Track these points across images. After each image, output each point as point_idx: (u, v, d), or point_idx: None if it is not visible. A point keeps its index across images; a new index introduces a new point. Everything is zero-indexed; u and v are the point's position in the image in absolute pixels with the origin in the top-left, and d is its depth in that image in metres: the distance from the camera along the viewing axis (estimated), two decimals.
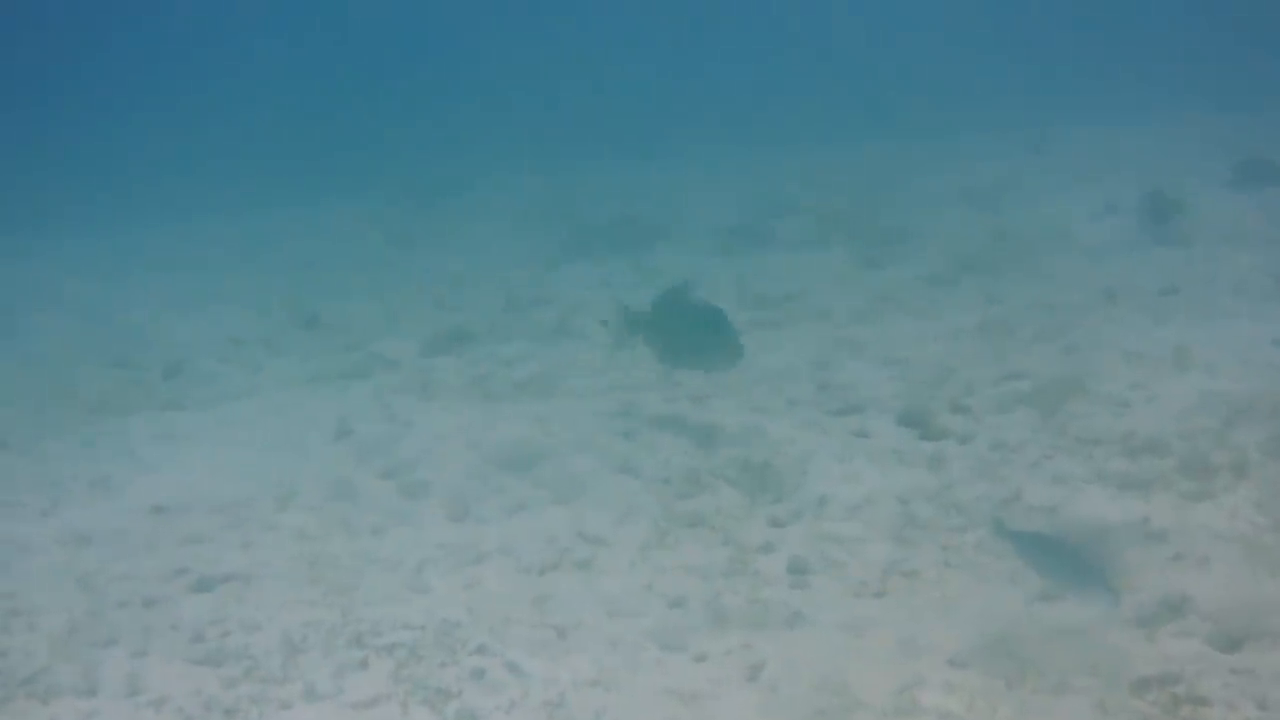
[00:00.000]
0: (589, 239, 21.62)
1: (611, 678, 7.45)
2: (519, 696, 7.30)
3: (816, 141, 32.35)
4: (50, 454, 12.30)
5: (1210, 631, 7.29)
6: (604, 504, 10.01)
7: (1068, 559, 7.80)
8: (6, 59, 47.67)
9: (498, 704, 7.23)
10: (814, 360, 13.31)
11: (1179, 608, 7.55)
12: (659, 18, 50.52)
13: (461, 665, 7.68)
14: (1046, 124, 29.39)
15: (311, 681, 7.59)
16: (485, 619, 8.29)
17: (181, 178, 32.90)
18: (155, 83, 47.25)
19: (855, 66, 42.05)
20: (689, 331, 10.74)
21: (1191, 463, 9.62)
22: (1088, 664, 7.05)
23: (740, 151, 32.08)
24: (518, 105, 41.49)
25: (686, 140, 34.04)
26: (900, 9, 49.53)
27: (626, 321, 11.43)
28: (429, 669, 7.66)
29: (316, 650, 7.97)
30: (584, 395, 12.86)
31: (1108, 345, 12.94)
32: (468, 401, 12.98)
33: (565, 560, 9.12)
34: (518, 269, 20.08)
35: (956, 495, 9.55)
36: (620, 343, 11.50)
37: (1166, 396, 11.18)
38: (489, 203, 27.10)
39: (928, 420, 10.98)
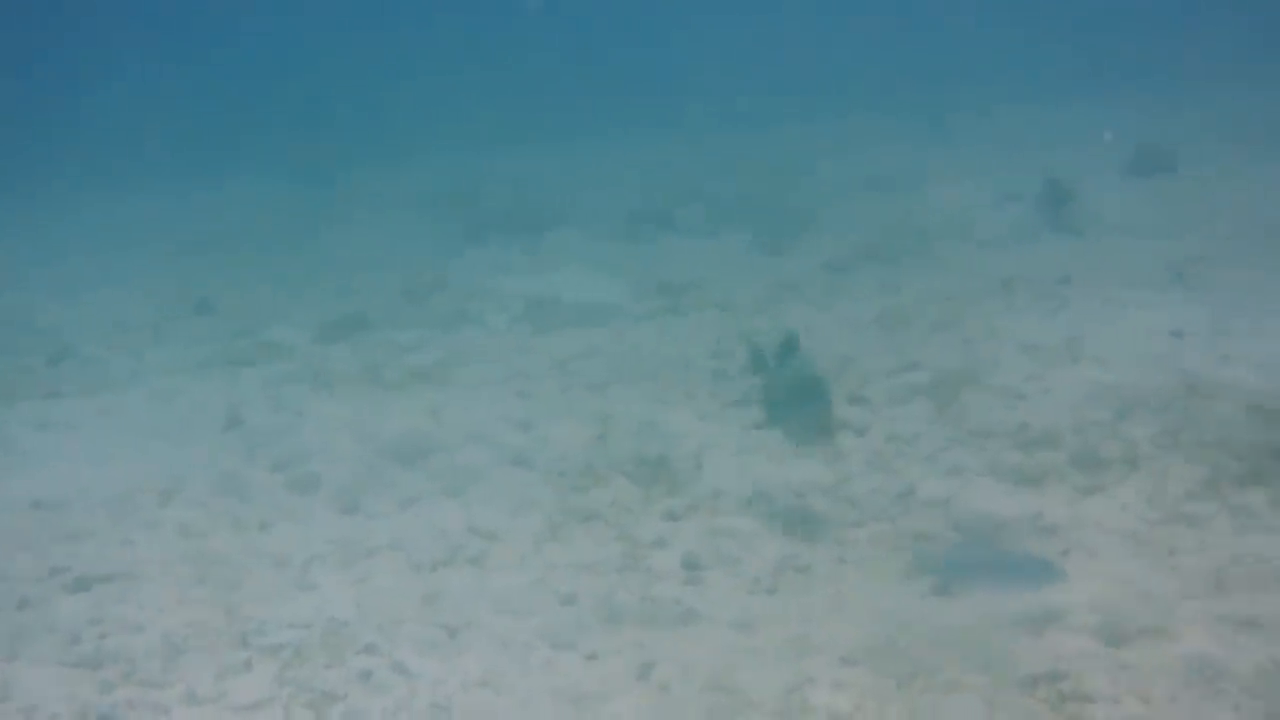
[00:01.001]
0: (490, 224, 21.46)
1: (500, 679, 7.33)
2: (405, 699, 7.17)
3: (721, 126, 32.37)
4: None
5: (1097, 626, 7.30)
6: (497, 497, 9.89)
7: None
8: None
9: (384, 707, 7.09)
10: (712, 350, 13.26)
11: (1068, 604, 7.56)
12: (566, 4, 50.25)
13: (348, 666, 7.54)
14: (950, 109, 29.62)
15: (192, 685, 7.40)
16: (374, 617, 8.14)
17: (71, 154, 32.21)
18: (42, 50, 46.16)
19: (759, 50, 42.15)
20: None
21: (1084, 456, 9.67)
22: (978, 661, 7.04)
23: (646, 135, 32.01)
24: (424, 89, 41.06)
25: (591, 125, 33.94)
26: None
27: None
28: (314, 670, 7.50)
29: (199, 652, 7.78)
30: (480, 384, 12.70)
31: (1004, 336, 13.01)
32: (361, 391, 12.78)
33: (457, 556, 8.99)
34: (417, 254, 19.88)
35: (852, 489, 9.53)
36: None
37: (1060, 388, 11.25)
38: (391, 187, 26.82)
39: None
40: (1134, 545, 8.24)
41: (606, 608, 8.05)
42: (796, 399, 10.60)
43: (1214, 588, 7.63)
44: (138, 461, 11.10)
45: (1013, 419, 10.55)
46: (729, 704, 6.87)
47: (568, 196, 23.45)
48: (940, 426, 10.56)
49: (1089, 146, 24.24)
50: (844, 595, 8.01)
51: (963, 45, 40.00)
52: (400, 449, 10.89)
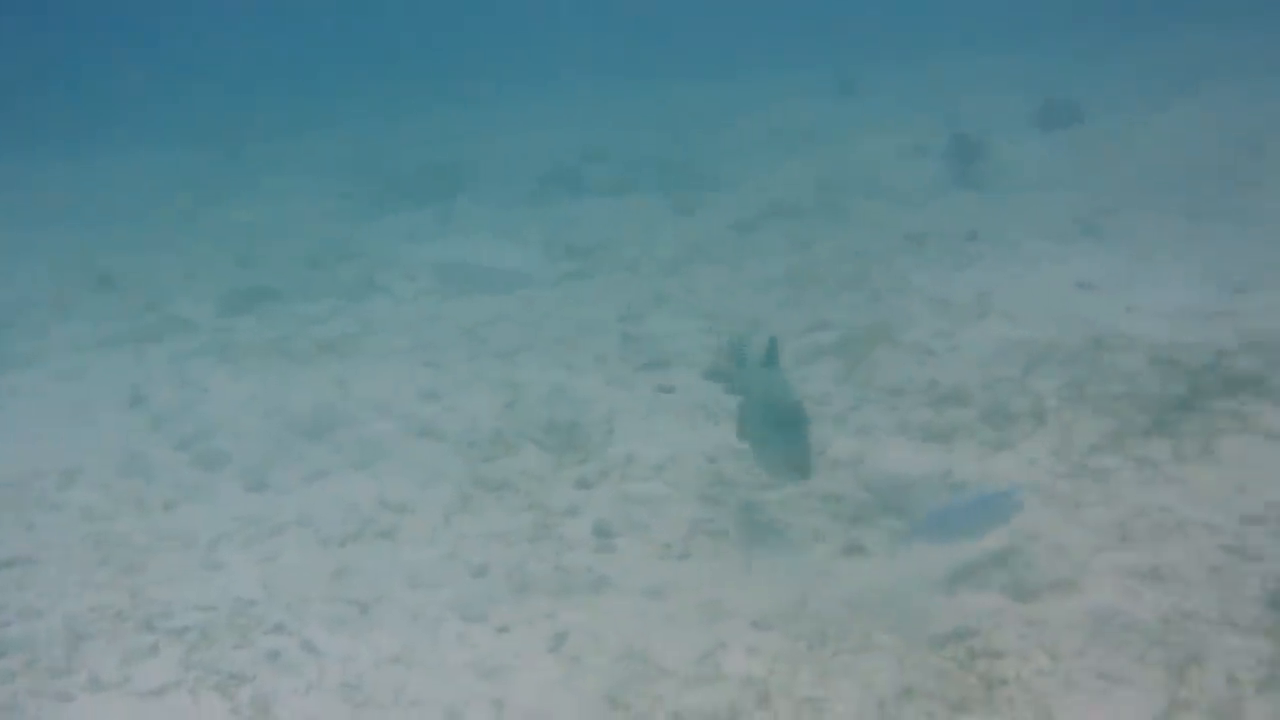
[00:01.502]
0: (399, 190, 21.26)
1: (412, 654, 7.25)
2: (316, 678, 7.07)
3: (634, 83, 32.24)
4: None
5: (1006, 582, 7.35)
6: (407, 469, 9.79)
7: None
8: None
9: (294, 687, 6.98)
10: (622, 313, 13.21)
11: (977, 560, 7.60)
12: None
13: (256, 647, 7.41)
14: (858, 64, 29.68)
15: (96, 671, 7.25)
16: (282, 596, 8.02)
17: None
18: None
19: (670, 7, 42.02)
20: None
21: (992, 411, 9.73)
22: (888, 621, 7.06)
23: (556, 95, 31.80)
24: (332, 54, 40.57)
25: (501, 85, 33.69)
26: None
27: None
28: (222, 652, 7.37)
29: (103, 637, 7.62)
30: (388, 355, 12.56)
31: (913, 292, 13.05)
32: (267, 364, 12.59)
33: (366, 530, 8.88)
34: (324, 222, 19.65)
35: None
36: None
37: (969, 344, 11.30)
38: (299, 154, 26.46)
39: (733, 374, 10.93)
40: (1041, 500, 8.29)
41: (518, 578, 7.99)
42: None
43: (1119, 540, 7.71)
44: (38, 442, 10.87)
45: (922, 376, 10.59)
46: (641, 673, 6.84)
47: (478, 160, 23.25)
48: (850, 386, 10.59)
49: (998, 99, 24.39)
50: (755, 558, 8.01)
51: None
52: (308, 423, 10.75)
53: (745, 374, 8.70)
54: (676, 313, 13.11)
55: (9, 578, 8.49)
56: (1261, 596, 6.96)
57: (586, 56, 35.23)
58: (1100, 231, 15.09)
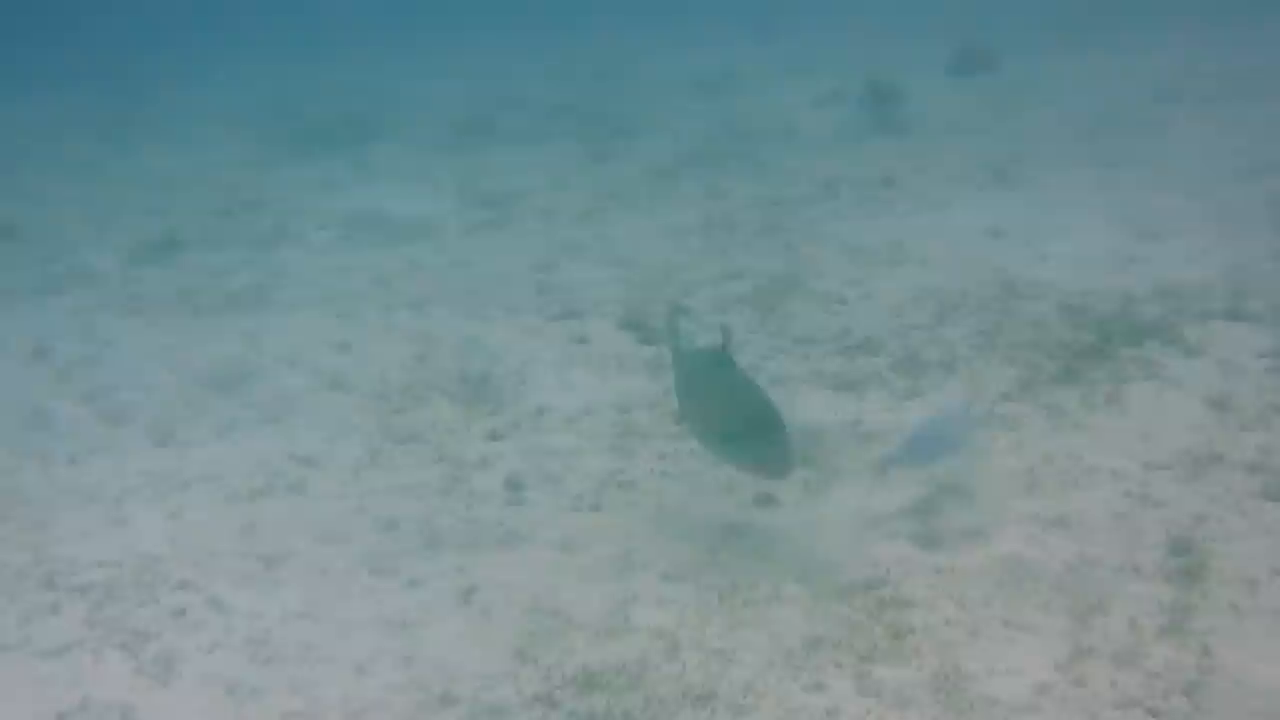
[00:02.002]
0: (313, 137, 20.99)
1: (319, 609, 7.17)
2: (222, 635, 6.96)
3: (553, 32, 31.98)
4: None
5: (915, 532, 7.39)
6: (316, 423, 9.68)
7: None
8: None
9: (199, 644, 6.87)
10: (535, 262, 13.12)
11: (886, 510, 7.64)
12: None
13: (161, 604, 7.29)
14: (776, 8, 29.60)
15: None
16: (189, 552, 7.89)
17: None
18: None
19: None
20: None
21: (904, 360, 9.79)
22: (798, 571, 7.07)
23: (473, 41, 31.49)
24: None
25: (419, 33, 33.29)
26: None
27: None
28: (126, 609, 7.24)
29: (2, 596, 7.47)
30: (299, 306, 12.39)
31: (827, 240, 13.09)
32: (175, 317, 12.41)
33: (275, 484, 8.76)
34: (237, 170, 19.35)
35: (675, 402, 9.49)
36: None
37: (882, 292, 11.35)
38: (208, 99, 26.03)
39: (647, 323, 10.91)
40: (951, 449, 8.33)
41: (427, 532, 7.93)
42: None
43: (1027, 488, 7.77)
44: None
45: (835, 325, 10.62)
46: (551, 626, 6.80)
47: (394, 108, 22.99)
48: (763, 335, 10.59)
49: (914, 45, 24.44)
50: (667, 509, 8.00)
51: None
52: (216, 376, 10.60)
53: (697, 368, 7.63)
54: (590, 262, 13.04)
55: None
56: (1164, 543, 7.05)
57: (505, 4, 34.87)
58: (1012, 178, 15.20)
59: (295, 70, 28.58)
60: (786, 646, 6.37)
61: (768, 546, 7.41)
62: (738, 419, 6.92)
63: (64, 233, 16.07)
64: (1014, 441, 8.38)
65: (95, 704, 6.30)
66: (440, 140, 20.35)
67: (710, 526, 7.73)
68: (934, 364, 9.70)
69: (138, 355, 11.23)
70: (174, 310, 12.60)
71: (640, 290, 11.90)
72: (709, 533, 7.65)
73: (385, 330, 11.44)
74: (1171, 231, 12.60)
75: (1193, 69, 20.39)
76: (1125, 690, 5.81)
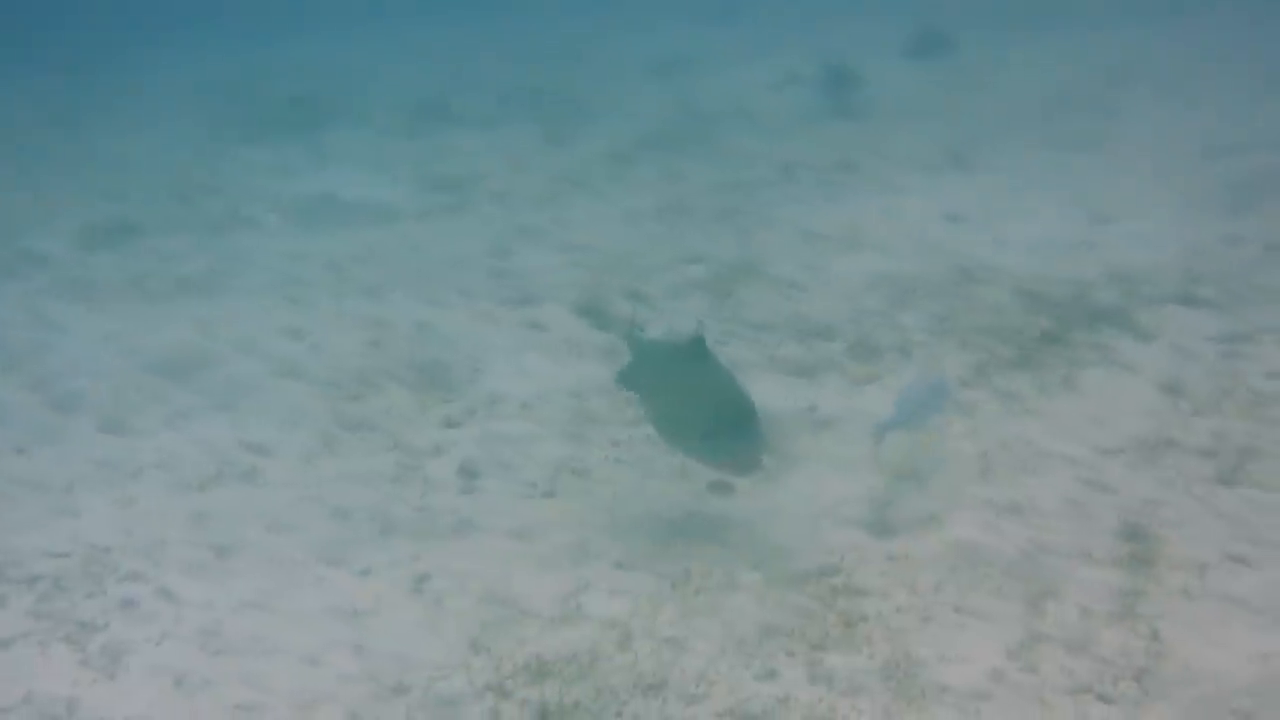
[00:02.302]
0: (268, 120, 20.77)
1: (271, 598, 7.11)
2: (171, 626, 6.88)
3: (511, 13, 31.78)
4: None
5: (869, 519, 7.39)
6: (269, 410, 9.57)
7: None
8: None
9: (148, 636, 6.79)
10: (491, 247, 13.04)
11: (841, 496, 7.64)
12: None
13: (110, 595, 7.20)
14: None
15: None
16: (139, 541, 7.79)
17: None
18: None
19: None
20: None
21: (859, 346, 9.79)
22: (751, 559, 7.07)
23: (431, 22, 31.28)
24: None
25: (375, 16, 33.03)
26: None
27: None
28: (74, 601, 7.14)
29: None
30: (252, 292, 12.26)
31: (784, 224, 13.07)
32: (126, 302, 12.24)
33: (227, 473, 8.67)
34: (188, 153, 19.11)
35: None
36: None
37: (838, 277, 11.35)
38: (162, 79, 25.74)
39: (602, 309, 10.87)
40: (906, 436, 8.32)
41: (381, 520, 7.88)
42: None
43: (981, 474, 7.80)
44: None
45: (791, 310, 10.61)
46: (504, 616, 6.78)
47: (349, 91, 22.81)
48: (719, 320, 10.56)
49: (871, 26, 24.43)
50: (621, 496, 7.97)
51: None
52: (168, 363, 10.46)
53: (672, 362, 7.38)
54: (547, 247, 12.97)
55: None
56: (1116, 528, 7.09)
57: None
58: (968, 162, 15.22)
59: (249, 50, 28.29)
60: (739, 635, 6.37)
61: (722, 533, 7.40)
62: (718, 416, 6.83)
63: (12, 217, 15.81)
64: (969, 427, 8.40)
65: (39, 698, 6.21)
66: (396, 123, 20.18)
67: (664, 513, 7.72)
68: (890, 349, 9.71)
69: (87, 341, 11.07)
70: (125, 296, 12.45)
71: (596, 276, 11.85)
72: (663, 520, 7.64)
73: (339, 316, 11.34)
74: (1126, 215, 12.66)
75: (1146, 50, 20.44)
76: (1076, 676, 5.85)
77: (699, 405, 6.90)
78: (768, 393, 9.13)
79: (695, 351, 7.10)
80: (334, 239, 13.92)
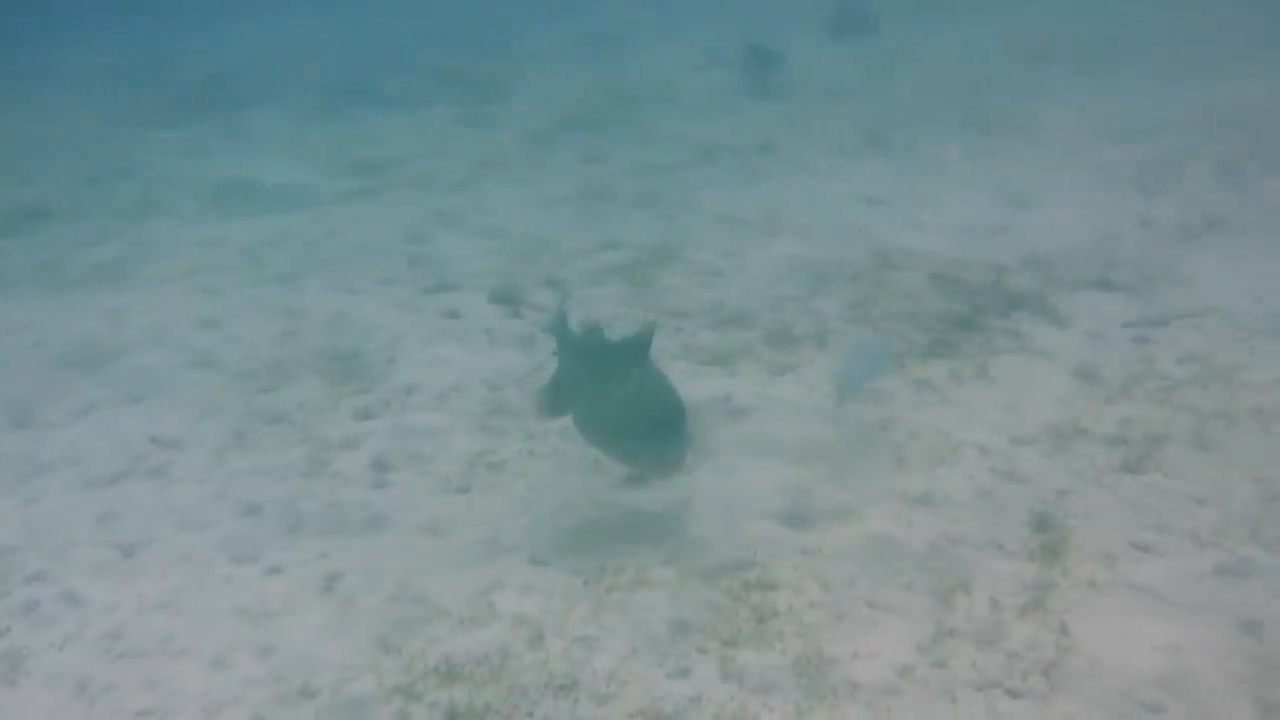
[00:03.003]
0: (186, 101, 20.48)
1: (178, 599, 7.00)
2: (75, 629, 6.77)
3: None
4: None
5: (783, 511, 7.37)
6: (181, 403, 9.43)
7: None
8: None
9: (50, 640, 6.68)
10: (409, 233, 12.90)
11: (755, 489, 7.61)
12: None
13: (12, 597, 7.07)
14: None
15: None
16: (43, 541, 7.65)
17: None
18: None
19: None
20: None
21: (776, 334, 9.77)
22: (665, 554, 7.02)
23: (351, 2, 30.96)
24: None
25: None
26: None
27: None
28: None
29: None
30: (166, 280, 12.06)
31: (704, 208, 13.03)
32: (36, 291, 12.02)
33: (136, 468, 8.53)
34: (103, 135, 18.79)
35: (545, 377, 9.37)
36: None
37: (757, 263, 11.33)
38: (75, 60, 25.28)
39: (520, 297, 10.78)
40: (820, 426, 8.33)
41: (291, 516, 7.77)
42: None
43: (895, 465, 7.80)
44: None
45: (708, 298, 10.58)
46: (416, 615, 6.70)
47: (268, 70, 22.53)
48: (637, 308, 10.50)
49: (794, 4, 24.41)
50: (534, 490, 7.91)
51: None
52: (78, 354, 10.29)
53: (609, 363, 7.08)
54: (465, 232, 12.86)
55: None
56: (1028, 519, 7.12)
57: None
58: (888, 144, 15.26)
59: (168, 30, 27.85)
60: (651, 632, 6.33)
61: (635, 528, 7.36)
62: (647, 417, 6.78)
63: None
64: (884, 417, 8.40)
65: None
66: (315, 103, 19.96)
67: (578, 507, 7.66)
68: (806, 337, 9.70)
69: None
70: (34, 284, 12.23)
71: (515, 262, 11.76)
72: (577, 514, 7.58)
73: (254, 305, 11.18)
74: (1043, 198, 12.73)
75: (1065, 31, 20.58)
76: (986, 672, 5.86)
77: (628, 406, 6.84)
78: (684, 383, 9.06)
79: (635, 349, 6.97)
80: (250, 224, 13.73)
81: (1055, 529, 6.98)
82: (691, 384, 9.01)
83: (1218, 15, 20.52)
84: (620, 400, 6.89)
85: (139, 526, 7.77)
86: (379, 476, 8.19)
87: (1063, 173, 13.52)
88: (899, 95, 17.66)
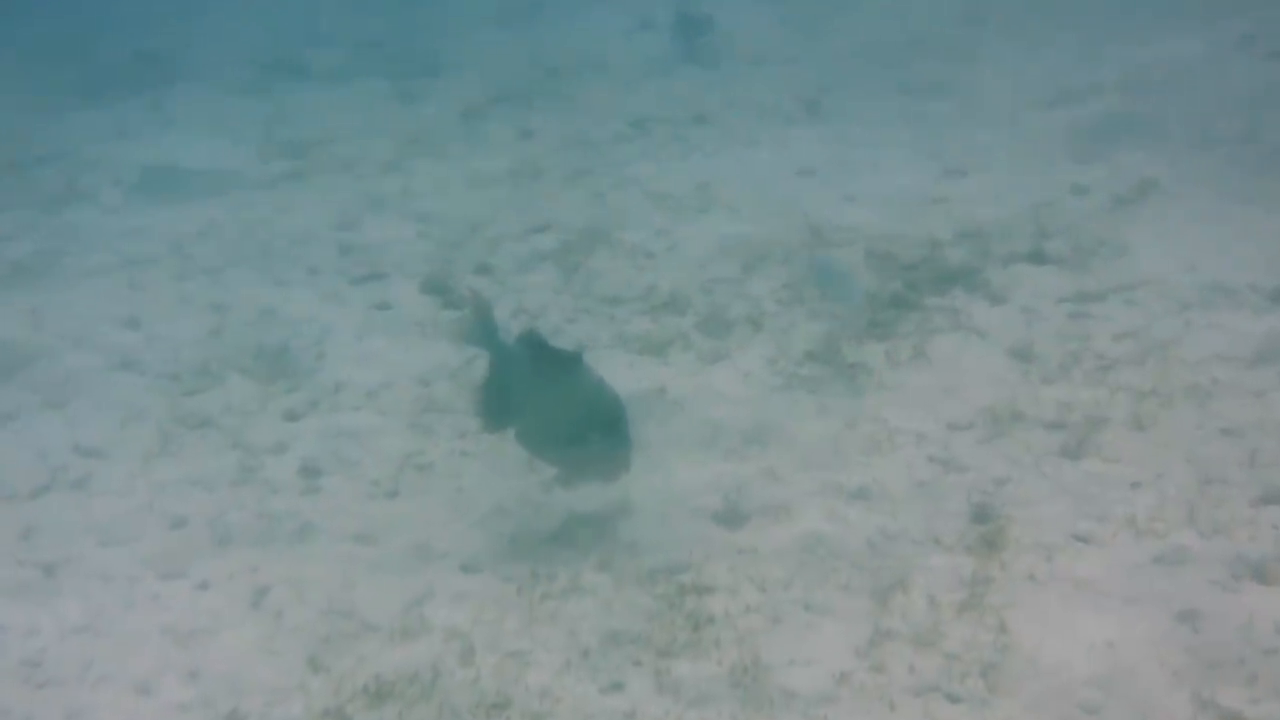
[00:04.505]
0: (108, 80, 19.97)
1: (101, 621, 6.83)
2: None
3: None
4: None
5: (718, 509, 7.27)
6: (104, 408, 9.19)
7: None
8: None
9: None
10: (339, 219, 12.65)
11: (687, 489, 7.51)
12: None
13: None
14: None
15: None
16: None
17: None
18: None
19: None
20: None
21: (710, 319, 9.66)
22: (598, 558, 6.92)
23: None
24: None
25: None
26: None
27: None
28: None
29: None
30: (87, 276, 11.75)
31: (636, 185, 12.88)
32: None
33: (58, 480, 8.31)
34: (22, 118, 18.31)
35: (478, 371, 9.20)
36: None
37: (689, 242, 11.20)
38: None
39: (451, 286, 10.59)
40: (755, 418, 8.23)
41: (219, 528, 7.59)
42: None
43: (830, 456, 7.71)
44: None
45: (641, 282, 10.45)
46: (345, 630, 6.58)
47: (193, 43, 22.07)
48: (568, 296, 10.35)
49: None
50: (466, 493, 7.77)
51: None
52: None
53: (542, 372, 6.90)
54: (396, 217, 12.63)
55: None
56: (966, 510, 7.05)
57: None
58: (822, 110, 15.13)
59: (90, 3, 27.20)
60: (584, 645, 6.23)
61: (569, 530, 7.26)
62: (587, 423, 6.74)
63: None
64: (818, 406, 8.31)
65: None
66: (243, 81, 19.53)
67: (510, 510, 7.55)
68: (740, 321, 9.59)
69: None
70: None
71: (446, 249, 11.56)
72: (509, 517, 7.47)
73: (179, 301, 10.93)
74: (977, 166, 12.64)
75: None
76: (923, 675, 5.79)
77: (569, 415, 6.79)
78: (619, 374, 8.93)
79: (570, 363, 6.86)
80: (176, 213, 13.40)
81: (993, 520, 6.90)
82: (626, 375, 8.88)
83: None
84: (560, 410, 6.82)
85: (60, 543, 7.59)
86: (308, 483, 8.03)
87: (997, 138, 13.42)
88: (832, 57, 17.48)
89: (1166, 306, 9.20)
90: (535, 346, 6.87)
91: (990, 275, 9.99)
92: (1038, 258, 10.22)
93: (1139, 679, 5.63)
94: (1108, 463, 7.38)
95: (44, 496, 8.15)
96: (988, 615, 6.14)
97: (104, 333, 10.38)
